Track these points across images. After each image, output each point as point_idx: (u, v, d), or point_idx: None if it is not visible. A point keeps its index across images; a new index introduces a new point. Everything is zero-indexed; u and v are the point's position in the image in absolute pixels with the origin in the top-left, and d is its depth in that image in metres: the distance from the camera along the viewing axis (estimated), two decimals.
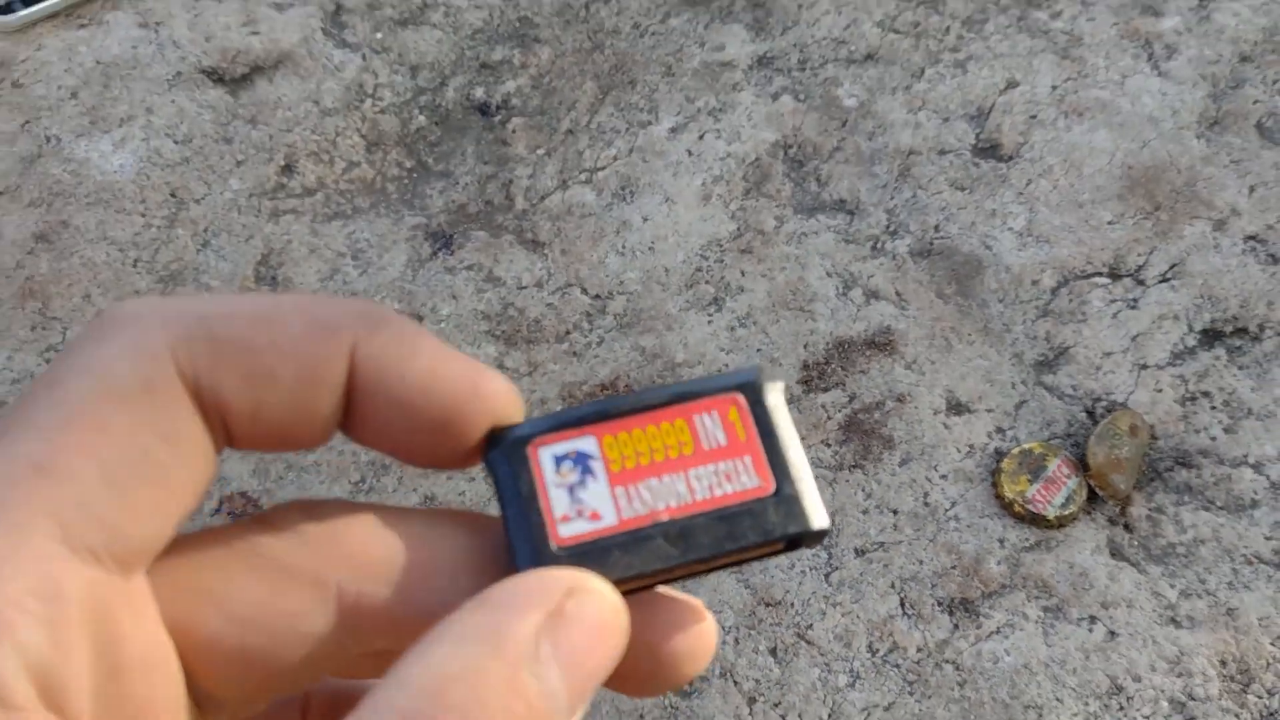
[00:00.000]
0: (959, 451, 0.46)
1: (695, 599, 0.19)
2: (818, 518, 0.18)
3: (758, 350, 0.48)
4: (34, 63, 0.52)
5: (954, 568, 0.43)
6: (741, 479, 0.18)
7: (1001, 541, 0.44)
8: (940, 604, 0.43)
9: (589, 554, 0.17)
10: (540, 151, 0.54)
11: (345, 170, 0.53)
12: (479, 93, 0.55)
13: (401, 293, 0.50)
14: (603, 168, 0.53)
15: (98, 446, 0.16)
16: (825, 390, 0.47)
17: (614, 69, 0.55)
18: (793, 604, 0.43)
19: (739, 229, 0.51)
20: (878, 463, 0.45)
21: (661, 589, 0.19)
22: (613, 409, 0.18)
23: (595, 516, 0.17)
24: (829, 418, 0.46)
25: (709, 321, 0.48)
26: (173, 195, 0.50)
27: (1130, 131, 0.53)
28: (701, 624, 0.19)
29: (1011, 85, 0.54)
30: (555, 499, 0.18)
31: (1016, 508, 0.45)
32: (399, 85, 0.55)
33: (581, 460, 0.18)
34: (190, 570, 0.18)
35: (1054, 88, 0.54)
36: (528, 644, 0.15)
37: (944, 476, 0.45)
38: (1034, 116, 0.53)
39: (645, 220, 0.51)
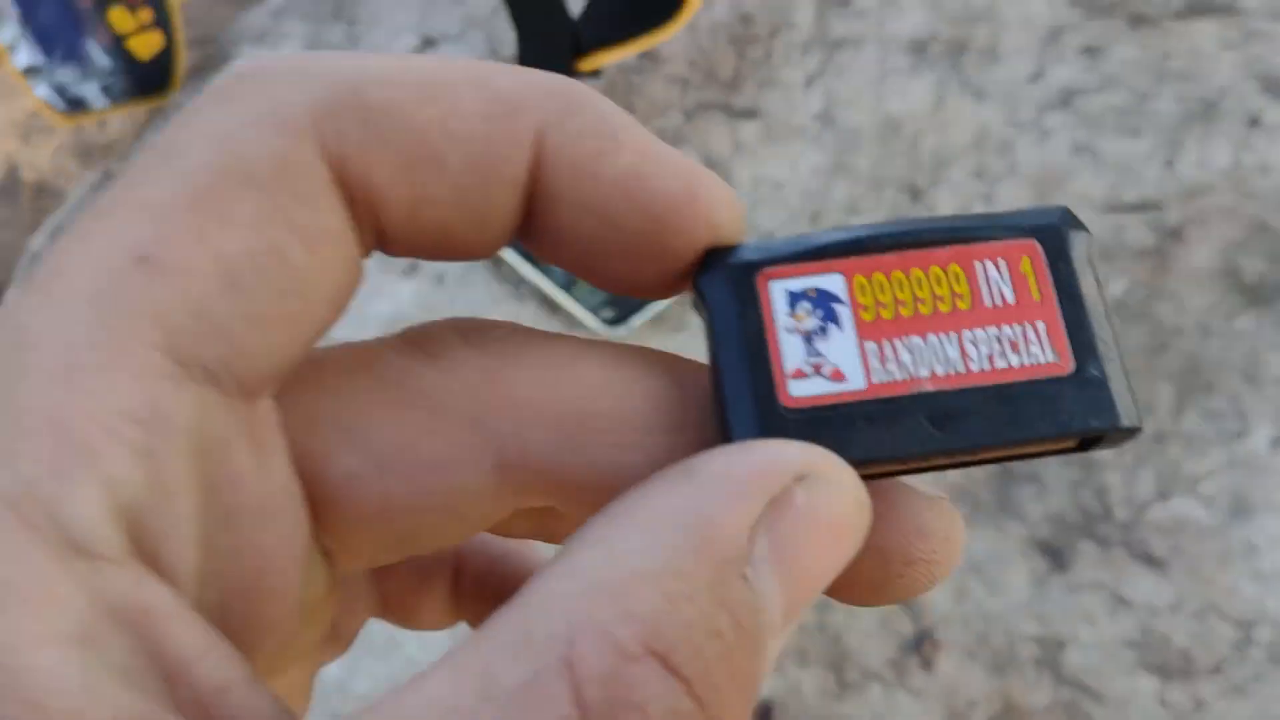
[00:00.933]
0: None
1: (939, 494, 0.16)
2: (1127, 412, 0.14)
3: None
4: None
5: None
6: (1032, 350, 0.14)
7: None
8: None
9: (826, 424, 0.14)
10: (1128, 458, 0.54)
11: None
12: None
13: (1036, 616, 0.49)
14: (1203, 479, 0.53)
15: (218, 237, 0.13)
16: None
17: (1186, 371, 0.55)
18: None
19: None
20: None
21: (906, 479, 0.15)
22: (869, 241, 0.14)
23: (838, 376, 0.14)
24: None
25: None
26: None
27: None
28: (949, 527, 0.15)
29: None
30: (787, 347, 0.14)
31: None
32: None
33: (824, 302, 0.14)
34: (324, 398, 0.15)
35: None
36: (741, 540, 0.12)
37: None
38: None
39: (1271, 543, 0.50)
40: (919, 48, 0.68)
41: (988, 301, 0.14)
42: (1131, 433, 0.14)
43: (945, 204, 0.60)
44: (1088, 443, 0.14)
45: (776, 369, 0.14)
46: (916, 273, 0.14)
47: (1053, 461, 0.53)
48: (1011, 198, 0.60)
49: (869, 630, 0.47)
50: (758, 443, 0.13)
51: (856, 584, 0.15)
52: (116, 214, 0.13)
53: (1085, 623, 0.49)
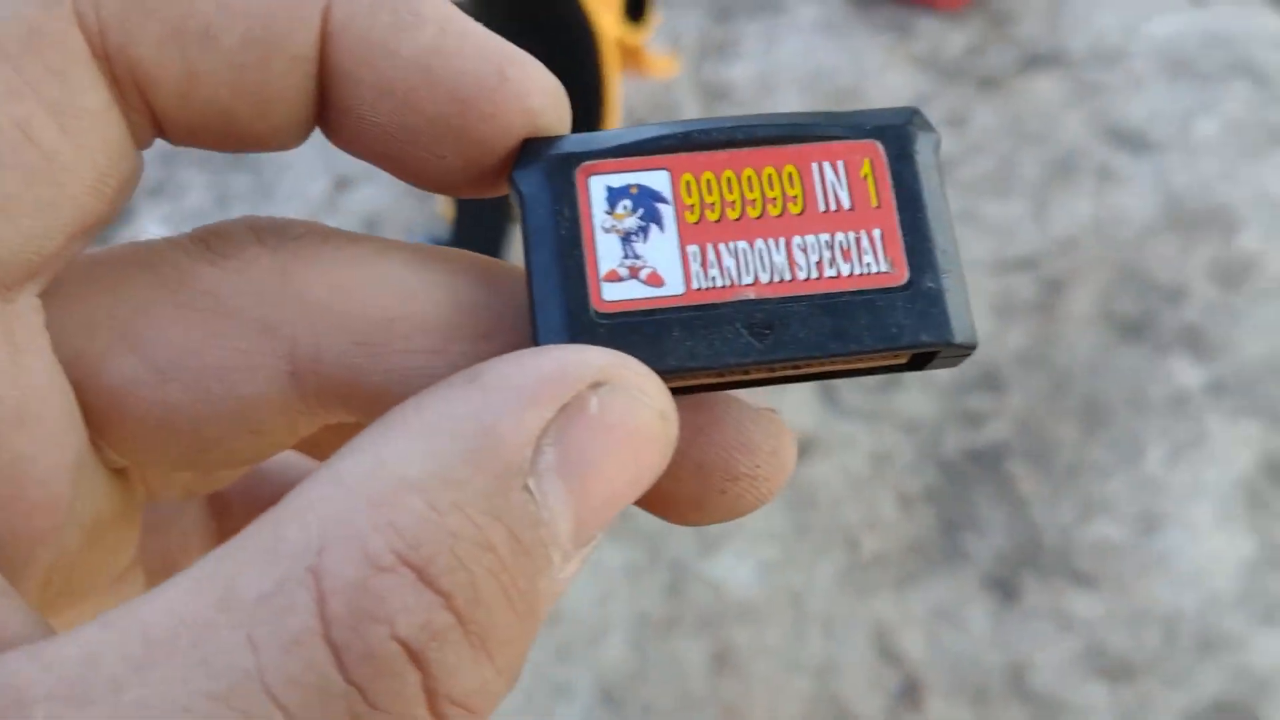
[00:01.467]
0: None
1: (767, 406, 0.15)
2: (961, 328, 0.13)
3: None
4: None
5: None
6: (865, 259, 0.13)
7: None
8: None
9: (639, 331, 0.13)
10: (1046, 490, 0.62)
11: (893, 535, 0.60)
12: (971, 441, 0.63)
13: (999, 646, 0.57)
14: (1113, 502, 0.61)
15: None
16: None
17: (1085, 408, 0.63)
18: None
19: (1259, 546, 0.59)
20: None
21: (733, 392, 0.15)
22: (699, 136, 0.14)
23: (655, 280, 0.13)
24: None
25: (1278, 633, 0.56)
26: (790, 598, 0.57)
27: None
28: (776, 441, 0.15)
29: None
30: (603, 248, 0.13)
31: None
32: (904, 445, 0.63)
33: (646, 200, 0.13)
34: (101, 299, 0.14)
35: None
36: (524, 449, 0.11)
37: None
38: None
39: (1177, 551, 0.59)
40: None
41: (822, 205, 0.14)
42: (966, 351, 0.14)
43: None
44: (920, 359, 0.14)
45: (591, 271, 0.13)
46: (749, 172, 0.14)
47: (983, 503, 0.61)
48: None
49: (862, 687, 0.54)
50: (554, 348, 0.12)
51: (676, 500, 0.14)
52: None
53: (1040, 646, 0.57)
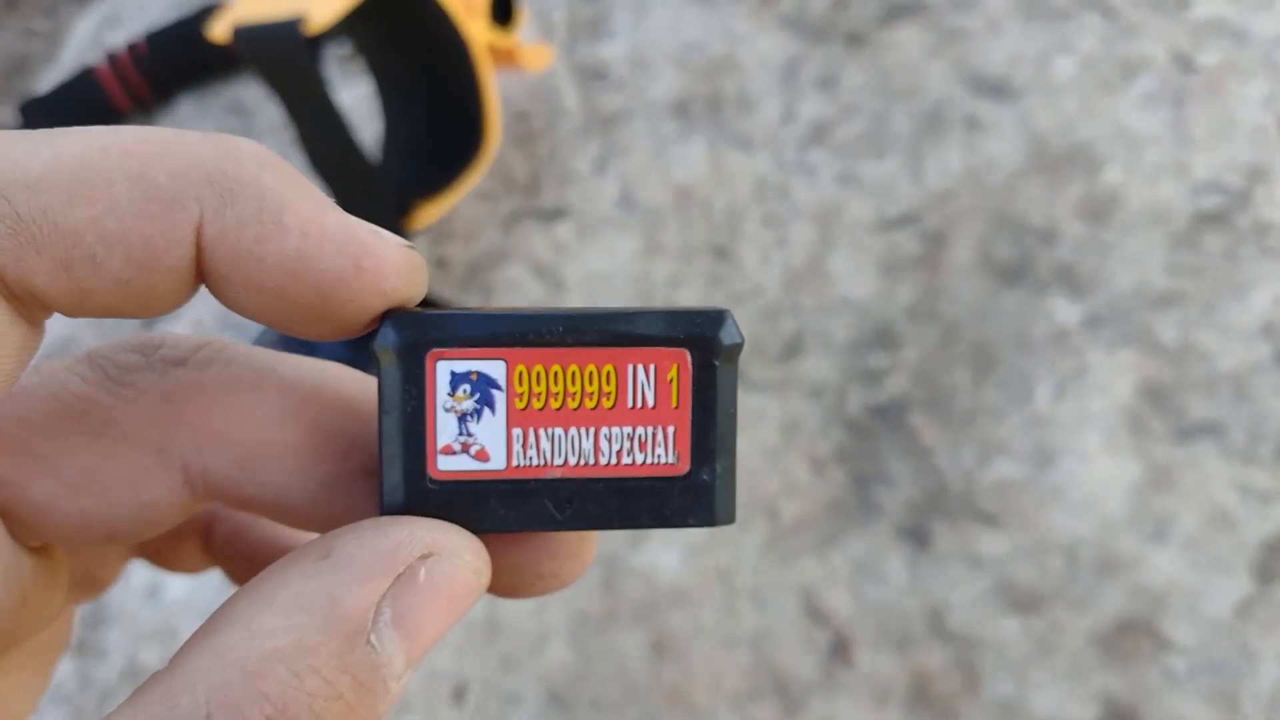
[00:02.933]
0: None
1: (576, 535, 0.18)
2: (722, 514, 0.17)
3: (1214, 560, 0.60)
4: None
5: None
6: (656, 451, 0.16)
7: None
8: None
9: (463, 497, 0.16)
10: (947, 437, 0.65)
11: (809, 498, 0.63)
12: (873, 398, 0.66)
13: (917, 593, 0.61)
14: (1009, 442, 0.65)
15: None
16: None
17: (975, 354, 0.67)
18: None
19: (1144, 468, 0.63)
20: None
21: None
22: (535, 334, 0.16)
23: (482, 456, 0.16)
24: None
25: (1167, 549, 0.61)
26: (719, 576, 0.59)
27: None
28: (578, 547, 0.18)
29: None
30: (442, 425, 0.16)
31: None
32: (811, 411, 0.66)
33: (483, 386, 0.16)
34: (18, 429, 0.16)
35: None
36: (366, 614, 0.14)
37: None
38: None
39: (1071, 481, 0.63)
40: (681, 110, 0.77)
41: (630, 402, 0.16)
42: (726, 523, 0.17)
43: (750, 257, 0.70)
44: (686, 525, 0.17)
45: (430, 443, 0.16)
46: (573, 368, 0.16)
47: (890, 457, 0.65)
48: (802, 238, 0.70)
49: (796, 650, 0.57)
50: (392, 523, 0.15)
51: (497, 589, 0.18)
52: None
53: (954, 587, 0.60)
